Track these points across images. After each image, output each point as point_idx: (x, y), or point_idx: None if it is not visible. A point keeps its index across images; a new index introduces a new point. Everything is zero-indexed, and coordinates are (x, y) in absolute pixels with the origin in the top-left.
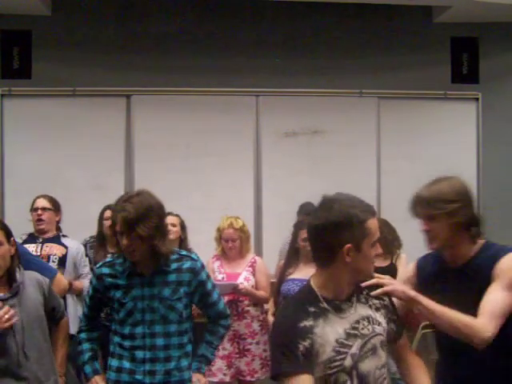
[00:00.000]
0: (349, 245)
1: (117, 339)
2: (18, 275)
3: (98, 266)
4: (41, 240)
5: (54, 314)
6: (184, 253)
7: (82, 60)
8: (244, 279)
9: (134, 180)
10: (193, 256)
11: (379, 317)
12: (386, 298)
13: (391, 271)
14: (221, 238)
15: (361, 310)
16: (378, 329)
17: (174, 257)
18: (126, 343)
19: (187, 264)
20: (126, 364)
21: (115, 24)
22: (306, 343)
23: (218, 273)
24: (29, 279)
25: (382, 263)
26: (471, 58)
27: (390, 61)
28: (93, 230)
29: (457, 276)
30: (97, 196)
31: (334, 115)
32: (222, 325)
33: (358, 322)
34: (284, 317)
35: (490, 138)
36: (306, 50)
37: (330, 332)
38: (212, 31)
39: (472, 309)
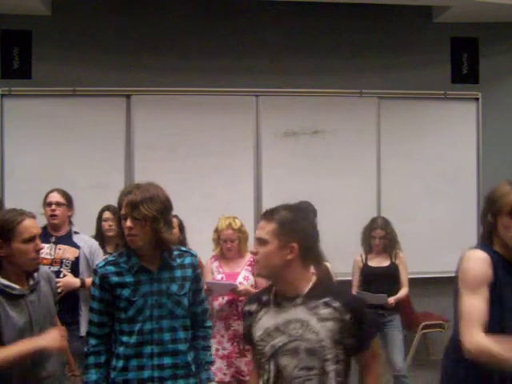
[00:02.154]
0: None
1: (124, 338)
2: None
3: (100, 265)
4: (54, 239)
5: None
6: (183, 248)
7: (82, 60)
8: (243, 278)
9: (133, 180)
10: (192, 252)
11: (320, 327)
12: (348, 315)
13: (392, 271)
14: (219, 238)
15: (299, 314)
16: (309, 336)
17: (176, 253)
18: (133, 340)
19: (188, 259)
20: (134, 362)
21: (115, 24)
22: (246, 323)
23: (217, 273)
24: (40, 273)
25: (383, 263)
26: (471, 58)
27: (390, 61)
28: (93, 230)
29: None
30: (97, 196)
31: (334, 115)
32: (210, 326)
33: (290, 322)
34: (246, 300)
35: (490, 138)
36: (306, 50)
37: (264, 321)
38: (212, 31)
39: None
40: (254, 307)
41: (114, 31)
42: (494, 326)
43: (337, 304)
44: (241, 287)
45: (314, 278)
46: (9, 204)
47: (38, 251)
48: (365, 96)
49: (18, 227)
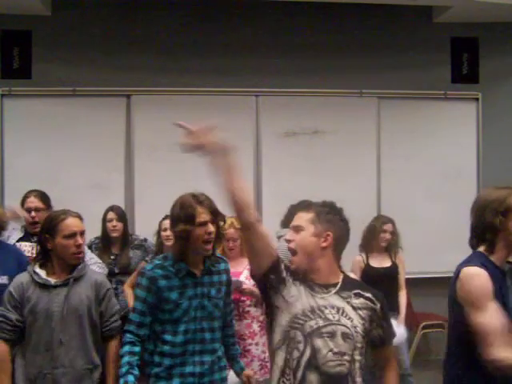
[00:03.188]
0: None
1: (168, 337)
2: (78, 268)
3: (148, 268)
4: (35, 239)
5: (102, 320)
6: (218, 255)
7: (82, 60)
8: (245, 278)
9: (133, 180)
10: (224, 258)
11: (355, 315)
12: (378, 305)
13: (394, 271)
14: None
15: (334, 301)
16: (345, 321)
17: (213, 258)
18: (179, 339)
19: (222, 265)
20: (178, 360)
21: (115, 24)
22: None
23: None
24: (88, 276)
25: (384, 263)
26: (471, 58)
27: (390, 61)
28: (92, 230)
29: (504, 278)
30: (97, 196)
31: (334, 115)
32: (234, 324)
33: (325, 307)
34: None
35: (490, 138)
36: (306, 50)
37: (305, 296)
38: (212, 31)
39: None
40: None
41: (114, 31)
42: None
43: (368, 294)
44: (244, 286)
45: (341, 273)
46: (9, 204)
47: (78, 246)
48: (365, 96)
49: (61, 224)
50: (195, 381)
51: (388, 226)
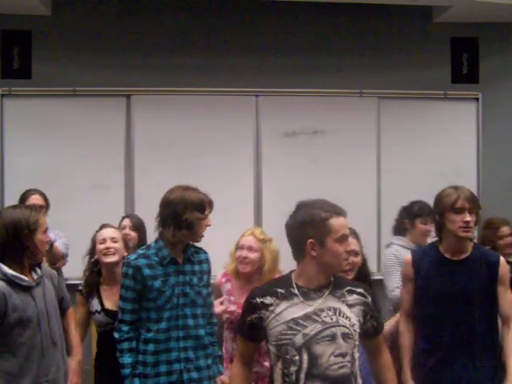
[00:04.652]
0: (311, 240)
1: (152, 325)
2: (41, 264)
3: (133, 258)
4: None
5: (62, 305)
6: (197, 246)
7: (82, 60)
8: None
9: (133, 179)
10: (203, 249)
11: (350, 313)
12: (369, 298)
13: None
14: (236, 249)
15: (330, 302)
16: (344, 321)
17: (193, 249)
18: (163, 326)
19: (203, 256)
20: (163, 345)
21: (115, 24)
22: (254, 316)
23: (228, 301)
24: (43, 271)
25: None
26: (471, 58)
27: (390, 61)
28: (92, 230)
29: (458, 268)
30: (97, 196)
31: (334, 115)
32: (215, 323)
33: (322, 310)
34: (252, 291)
35: (489, 138)
36: (306, 50)
37: (289, 312)
38: (212, 31)
39: (472, 292)
40: (268, 300)
41: (114, 31)
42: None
43: (360, 289)
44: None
45: None
46: (9, 204)
47: None
48: (365, 96)
49: None
50: (181, 366)
51: (504, 230)
